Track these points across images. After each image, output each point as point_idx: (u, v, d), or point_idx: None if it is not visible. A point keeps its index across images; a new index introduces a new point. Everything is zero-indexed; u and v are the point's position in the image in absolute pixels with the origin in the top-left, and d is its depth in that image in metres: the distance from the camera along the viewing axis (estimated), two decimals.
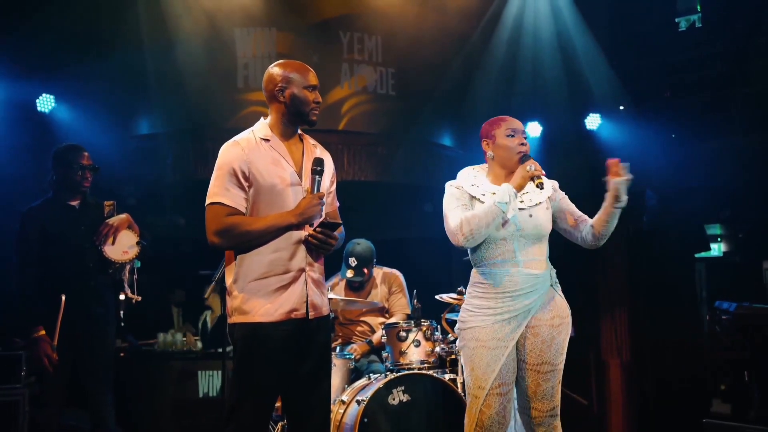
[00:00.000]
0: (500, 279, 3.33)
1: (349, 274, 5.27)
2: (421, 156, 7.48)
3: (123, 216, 4.46)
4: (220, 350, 6.68)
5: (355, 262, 5.26)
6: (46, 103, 6.72)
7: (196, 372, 6.57)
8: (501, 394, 3.29)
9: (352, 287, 5.43)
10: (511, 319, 3.30)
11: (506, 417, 3.31)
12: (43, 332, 4.17)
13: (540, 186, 3.30)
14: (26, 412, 5.09)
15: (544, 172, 3.34)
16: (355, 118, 7.11)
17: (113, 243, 4.39)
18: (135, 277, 4.53)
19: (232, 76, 6.85)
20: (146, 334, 7.02)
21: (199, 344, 6.99)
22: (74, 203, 4.45)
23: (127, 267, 4.48)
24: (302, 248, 3.16)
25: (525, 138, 3.44)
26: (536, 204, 3.41)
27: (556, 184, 3.56)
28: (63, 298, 4.20)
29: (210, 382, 6.56)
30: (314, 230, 3.14)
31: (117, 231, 4.39)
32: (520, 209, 3.36)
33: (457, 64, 7.37)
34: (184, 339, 7.04)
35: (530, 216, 3.36)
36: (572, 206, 3.52)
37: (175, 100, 6.82)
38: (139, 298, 4.50)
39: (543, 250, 3.40)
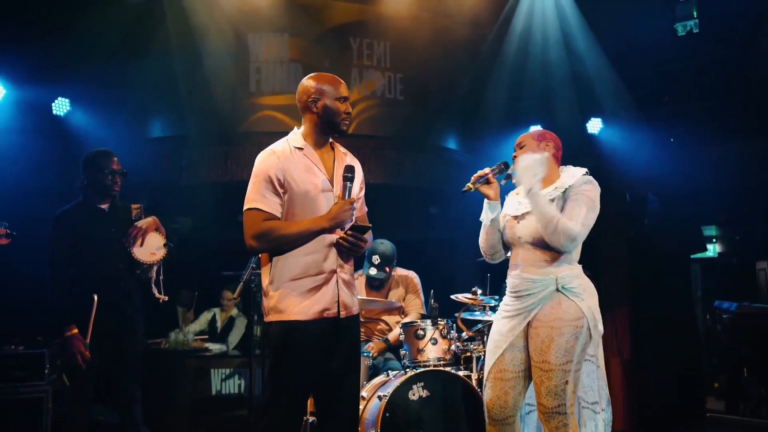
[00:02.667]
0: (510, 281, 3.64)
1: (372, 271, 5.42)
2: (428, 159, 7.64)
3: (150, 219, 4.59)
4: (233, 349, 6.85)
5: (378, 260, 5.42)
6: (61, 106, 6.84)
7: (209, 370, 6.69)
8: (501, 379, 3.54)
9: (372, 285, 5.58)
10: (515, 315, 3.56)
11: (508, 402, 3.54)
12: (75, 330, 4.28)
13: (467, 190, 3.63)
14: (50, 408, 5.23)
15: (483, 173, 3.63)
16: (364, 122, 7.26)
17: (141, 245, 4.51)
18: (161, 277, 4.66)
19: (245, 80, 6.98)
20: (153, 333, 7.13)
21: (210, 345, 7.08)
22: (104, 206, 4.57)
23: (154, 268, 4.61)
24: (334, 251, 3.31)
25: (521, 147, 3.67)
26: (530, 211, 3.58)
27: (579, 181, 3.57)
28: (95, 298, 4.33)
29: (222, 381, 6.69)
30: (345, 233, 3.30)
31: (145, 233, 4.52)
32: (515, 217, 3.62)
33: (464, 70, 7.53)
34: (196, 338, 7.16)
35: (523, 223, 3.59)
36: (567, 207, 3.52)
37: (188, 104, 6.93)
38: (166, 298, 4.63)
39: (548, 255, 3.53)
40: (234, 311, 7.52)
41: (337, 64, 6.91)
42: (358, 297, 5.16)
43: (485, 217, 3.68)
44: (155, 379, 6.51)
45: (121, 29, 6.72)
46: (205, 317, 7.64)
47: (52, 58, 6.55)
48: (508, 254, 3.73)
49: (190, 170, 7.08)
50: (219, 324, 7.57)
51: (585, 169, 3.61)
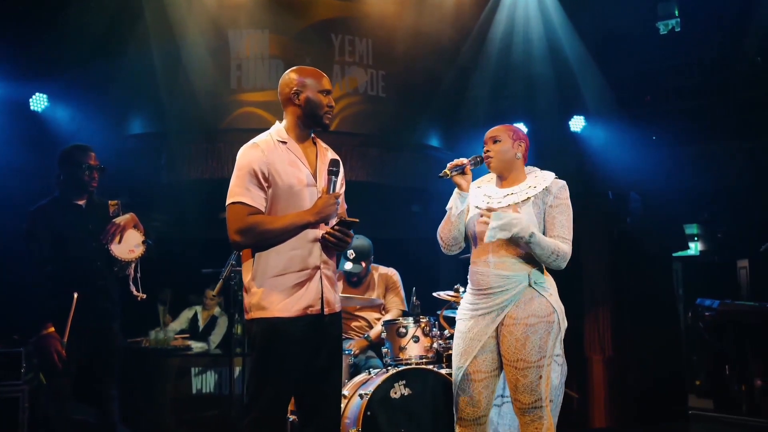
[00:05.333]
0: (476, 278, 3.57)
1: (348, 266, 5.36)
2: (411, 157, 7.62)
3: (129, 215, 4.50)
4: (215, 348, 6.79)
5: (353, 255, 5.37)
6: (39, 102, 6.74)
7: (189, 369, 6.64)
8: (475, 380, 3.53)
9: (351, 282, 5.53)
10: (485, 315, 3.52)
11: (481, 402, 3.53)
12: (52, 329, 4.19)
13: (443, 176, 3.56)
14: (26, 408, 5.15)
15: (459, 163, 3.56)
16: (346, 119, 7.22)
17: (120, 242, 4.42)
18: (139, 275, 4.58)
19: (225, 76, 6.93)
20: (134, 332, 7.06)
21: (192, 344, 7.01)
22: (81, 202, 4.48)
23: (132, 265, 4.53)
24: (318, 246, 3.27)
25: (495, 142, 3.65)
26: (508, 206, 3.56)
27: (555, 186, 3.60)
28: (75, 295, 4.25)
29: (203, 379, 6.63)
30: (332, 228, 3.26)
31: (123, 230, 4.44)
32: (486, 209, 3.56)
33: (447, 67, 7.52)
34: (177, 337, 7.10)
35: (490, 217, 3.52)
36: (555, 221, 3.54)
37: (168, 100, 6.86)
38: (144, 296, 4.55)
39: (520, 251, 3.50)
40: (216, 310, 7.45)
41: (318, 60, 6.84)
42: (350, 295, 5.17)
43: (454, 207, 3.60)
44: (136, 378, 6.46)
45: (101, 25, 6.65)
46: (186, 315, 7.56)
47: (31, 53, 6.48)
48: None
49: (171, 167, 7.01)
50: (201, 323, 7.51)
51: (553, 173, 3.66)
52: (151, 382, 6.61)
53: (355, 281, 5.52)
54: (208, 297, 7.39)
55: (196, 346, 6.98)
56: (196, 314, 7.54)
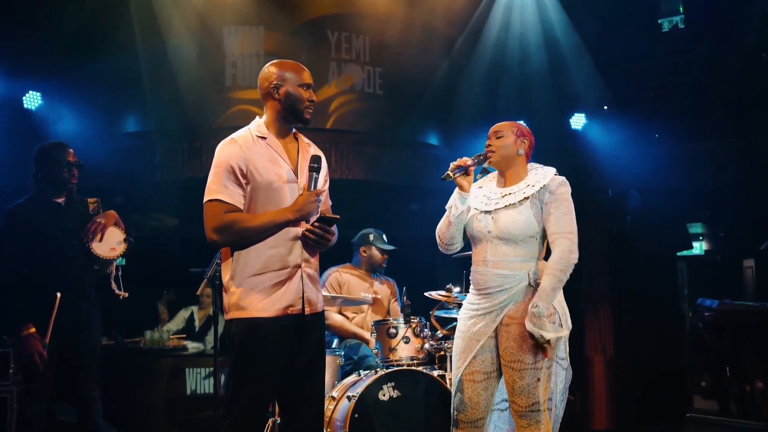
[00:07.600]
0: (476, 277, 3.51)
1: (386, 247, 5.60)
2: (408, 155, 7.55)
3: (109, 213, 4.44)
4: (211, 348, 6.76)
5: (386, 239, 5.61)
6: (32, 100, 6.70)
7: (184, 369, 6.61)
8: (474, 381, 3.44)
9: (375, 267, 5.61)
10: (485, 314, 3.45)
11: (480, 404, 3.44)
12: (33, 329, 4.13)
13: (446, 179, 3.46)
14: (15, 408, 5.09)
15: (462, 163, 3.46)
16: (342, 116, 7.15)
17: (101, 240, 4.35)
18: (119, 273, 4.52)
19: (220, 74, 6.85)
20: (131, 332, 7.03)
21: (188, 344, 6.98)
22: (60, 200, 4.41)
23: (114, 263, 4.47)
24: (298, 244, 3.21)
25: (498, 137, 3.55)
26: (505, 206, 3.48)
27: (554, 182, 3.52)
28: (58, 295, 4.18)
29: (198, 380, 6.59)
30: (312, 225, 3.19)
31: (104, 228, 4.37)
32: (485, 212, 3.50)
33: (444, 64, 7.44)
34: (172, 337, 7.07)
35: (494, 219, 3.47)
36: (550, 217, 3.45)
37: (163, 98, 6.81)
38: (126, 295, 4.48)
39: (518, 251, 3.44)
40: (212, 310, 7.40)
41: (314, 57, 6.78)
42: (329, 295, 5.11)
43: (454, 207, 3.53)
44: (129, 378, 6.43)
45: (95, 22, 6.61)
46: (182, 315, 7.53)
47: (25, 51, 6.44)
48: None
49: (165, 166, 6.95)
50: (197, 322, 7.48)
51: (554, 169, 3.57)
52: (146, 383, 6.58)
53: (384, 266, 5.66)
54: (205, 295, 7.34)
55: (192, 346, 6.95)
56: (192, 314, 7.50)
